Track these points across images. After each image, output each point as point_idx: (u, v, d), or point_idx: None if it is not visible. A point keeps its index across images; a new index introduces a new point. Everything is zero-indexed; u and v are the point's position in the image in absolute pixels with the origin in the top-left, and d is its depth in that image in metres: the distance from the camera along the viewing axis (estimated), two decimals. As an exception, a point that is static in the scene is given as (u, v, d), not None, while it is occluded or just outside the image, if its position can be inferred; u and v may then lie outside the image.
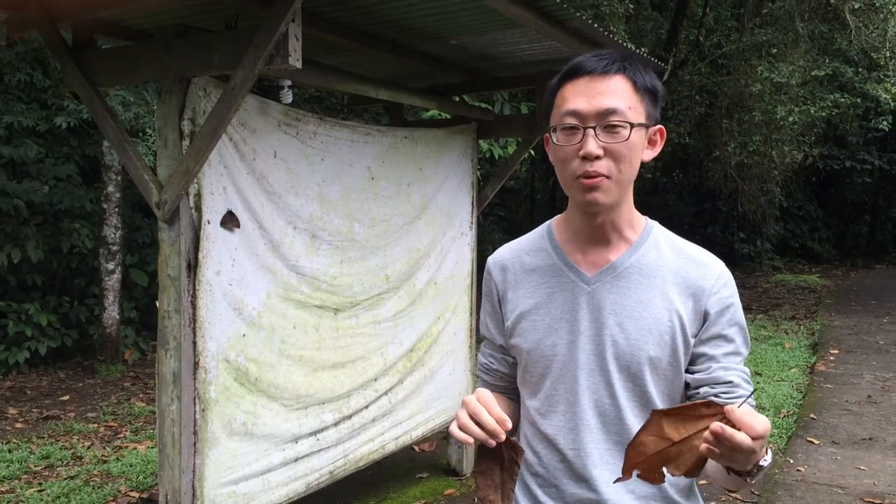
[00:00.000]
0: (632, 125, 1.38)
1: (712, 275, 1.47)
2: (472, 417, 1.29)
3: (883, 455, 5.16)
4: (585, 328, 1.47)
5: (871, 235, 21.43)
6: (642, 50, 4.38)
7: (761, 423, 1.13)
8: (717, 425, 1.11)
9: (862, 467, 4.93)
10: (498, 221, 14.07)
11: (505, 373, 1.64)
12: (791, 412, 6.33)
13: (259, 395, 3.34)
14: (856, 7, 10.61)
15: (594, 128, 1.37)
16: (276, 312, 3.41)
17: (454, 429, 1.31)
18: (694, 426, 1.16)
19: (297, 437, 3.58)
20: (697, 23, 12.22)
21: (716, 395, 1.43)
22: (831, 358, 8.22)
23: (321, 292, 3.67)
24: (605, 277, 1.47)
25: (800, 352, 8.81)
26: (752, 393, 1.46)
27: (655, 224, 1.54)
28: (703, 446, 1.13)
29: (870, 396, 6.64)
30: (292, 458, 3.55)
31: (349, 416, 3.90)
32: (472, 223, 4.81)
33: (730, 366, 1.45)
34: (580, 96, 1.39)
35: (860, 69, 13.20)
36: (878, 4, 10.43)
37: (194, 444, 3.03)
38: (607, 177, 1.38)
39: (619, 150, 1.38)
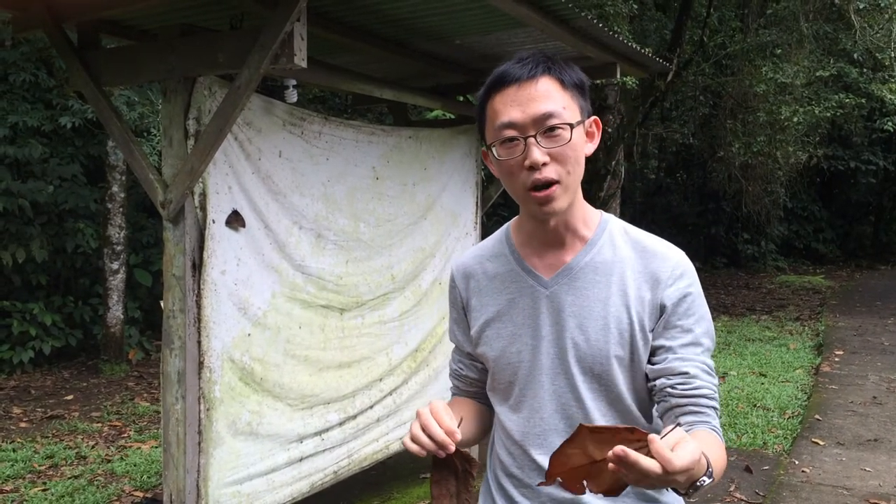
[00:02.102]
0: (572, 126, 1.36)
1: (668, 266, 1.43)
2: (423, 429, 1.30)
3: (888, 456, 5.14)
4: (547, 332, 1.45)
5: (876, 236, 21.37)
6: (646, 50, 4.38)
7: (682, 457, 1.05)
8: (619, 448, 1.05)
9: (867, 468, 4.91)
10: (501, 221, 14.02)
11: (475, 378, 1.64)
12: (796, 413, 6.31)
13: (264, 395, 3.34)
14: (861, 7, 10.57)
15: (534, 136, 1.35)
16: (281, 312, 3.41)
17: (407, 440, 1.32)
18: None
19: (302, 436, 3.57)
20: (701, 23, 12.18)
21: (672, 387, 1.38)
22: (836, 359, 8.19)
23: (327, 292, 3.66)
24: (561, 280, 1.46)
25: (804, 353, 8.79)
26: (716, 385, 1.41)
27: (611, 218, 1.51)
28: (611, 466, 1.08)
29: (875, 397, 6.62)
30: (297, 458, 3.55)
31: (354, 416, 3.90)
32: (476, 223, 4.80)
33: (687, 356, 1.40)
34: (512, 106, 1.36)
35: (865, 69, 13.16)
36: (882, 5, 10.40)
37: (199, 443, 3.03)
38: (557, 181, 1.36)
39: (563, 153, 1.36)
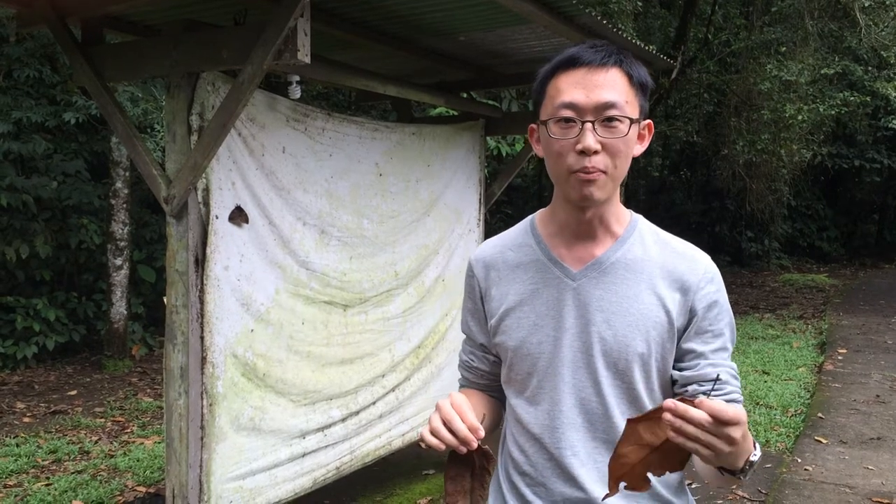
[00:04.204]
0: (631, 120, 1.35)
1: (699, 270, 1.44)
2: (444, 423, 1.28)
3: (891, 455, 5.13)
4: (571, 325, 1.44)
5: (880, 235, 21.34)
6: (651, 48, 4.37)
7: (732, 409, 1.12)
8: (669, 401, 1.11)
9: (870, 467, 4.91)
10: (505, 219, 14.05)
11: (486, 371, 1.62)
12: (799, 411, 6.30)
13: (267, 391, 3.34)
14: (866, 5, 10.55)
15: (592, 122, 1.33)
16: (284, 308, 3.41)
17: (426, 433, 1.29)
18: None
19: (305, 432, 3.58)
20: (706, 21, 12.17)
21: (705, 393, 1.39)
22: (839, 357, 8.18)
23: (331, 288, 3.67)
24: (590, 273, 1.44)
25: (807, 351, 8.78)
26: (740, 388, 1.45)
27: (640, 218, 1.51)
28: (670, 433, 1.13)
29: (878, 396, 6.62)
30: (299, 454, 3.55)
31: (356, 412, 3.90)
32: (479, 220, 4.80)
33: (718, 362, 1.43)
34: (577, 88, 1.35)
35: (870, 67, 13.13)
36: (888, 2, 10.38)
37: (201, 438, 3.03)
38: (604, 172, 1.35)
39: (616, 146, 1.35)
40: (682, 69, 11.30)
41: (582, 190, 1.36)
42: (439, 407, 1.30)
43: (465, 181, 4.66)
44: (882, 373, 7.46)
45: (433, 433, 1.28)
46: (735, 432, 1.12)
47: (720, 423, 1.10)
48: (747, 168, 14.51)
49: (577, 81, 1.35)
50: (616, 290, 1.43)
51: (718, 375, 1.41)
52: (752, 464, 1.25)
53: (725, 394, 1.41)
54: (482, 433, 1.28)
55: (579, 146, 1.33)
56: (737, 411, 1.12)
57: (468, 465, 1.34)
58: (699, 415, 1.11)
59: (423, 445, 1.32)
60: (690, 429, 1.11)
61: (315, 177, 3.56)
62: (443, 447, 1.28)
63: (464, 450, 1.28)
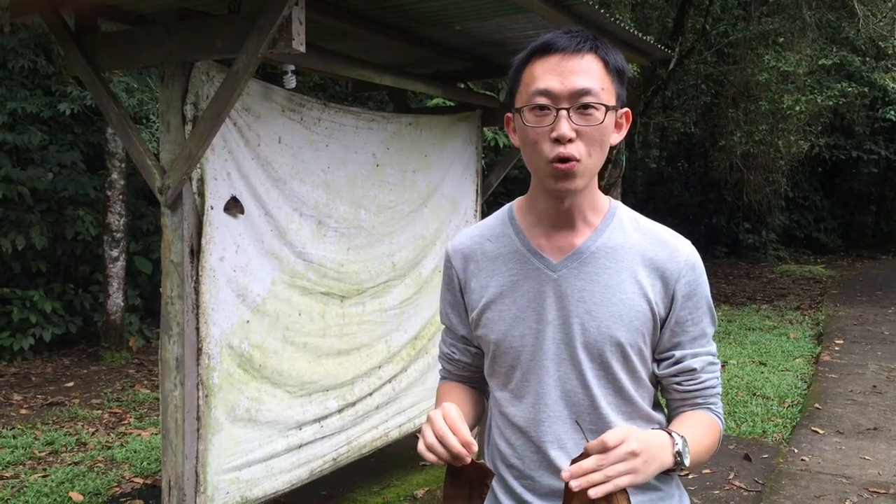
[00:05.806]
0: (607, 108, 1.33)
1: (680, 257, 1.43)
2: (438, 439, 1.28)
3: (888, 445, 5.14)
4: (553, 317, 1.42)
5: (877, 226, 21.35)
6: (648, 38, 4.35)
7: (613, 432, 1.19)
8: (564, 472, 1.18)
9: (866, 457, 4.92)
10: (502, 210, 14.03)
11: (468, 363, 1.61)
12: (796, 402, 6.32)
13: (263, 382, 3.33)
14: (864, -5, 10.52)
15: (567, 109, 1.32)
16: (280, 299, 3.40)
17: (421, 448, 1.30)
18: None
19: (301, 423, 3.57)
20: (704, 11, 12.13)
21: (678, 383, 1.45)
22: (836, 348, 8.19)
23: (328, 279, 3.65)
24: (571, 263, 1.42)
25: (804, 342, 8.79)
26: (718, 371, 1.49)
27: (619, 205, 1.50)
28: (590, 492, 1.17)
29: (875, 386, 6.63)
30: (296, 445, 3.55)
31: (353, 404, 3.90)
32: (476, 211, 4.79)
33: (697, 352, 1.44)
34: (552, 75, 1.33)
35: (868, 58, 13.11)
36: (886, -7, 10.34)
37: (197, 430, 3.03)
38: (579, 160, 1.33)
39: (592, 133, 1.33)
40: (680, 60, 11.27)
41: (558, 179, 1.35)
42: (432, 421, 1.30)
43: (462, 172, 4.64)
44: (879, 363, 7.47)
45: (429, 448, 1.29)
46: (631, 445, 1.18)
47: (610, 449, 1.17)
48: (745, 159, 14.50)
49: (552, 68, 1.33)
50: (597, 280, 1.41)
51: (694, 367, 1.44)
52: (680, 454, 1.29)
53: (700, 382, 1.44)
54: (475, 448, 1.29)
55: (554, 134, 1.32)
56: (619, 430, 1.20)
57: (466, 477, 1.35)
58: (589, 463, 1.17)
59: (420, 433, 1.33)
60: (597, 476, 1.16)
61: (311, 167, 3.54)
62: (440, 462, 1.29)
63: (459, 464, 1.29)
